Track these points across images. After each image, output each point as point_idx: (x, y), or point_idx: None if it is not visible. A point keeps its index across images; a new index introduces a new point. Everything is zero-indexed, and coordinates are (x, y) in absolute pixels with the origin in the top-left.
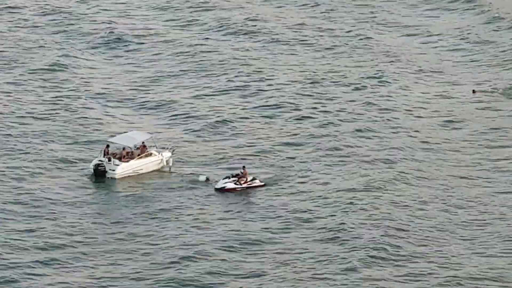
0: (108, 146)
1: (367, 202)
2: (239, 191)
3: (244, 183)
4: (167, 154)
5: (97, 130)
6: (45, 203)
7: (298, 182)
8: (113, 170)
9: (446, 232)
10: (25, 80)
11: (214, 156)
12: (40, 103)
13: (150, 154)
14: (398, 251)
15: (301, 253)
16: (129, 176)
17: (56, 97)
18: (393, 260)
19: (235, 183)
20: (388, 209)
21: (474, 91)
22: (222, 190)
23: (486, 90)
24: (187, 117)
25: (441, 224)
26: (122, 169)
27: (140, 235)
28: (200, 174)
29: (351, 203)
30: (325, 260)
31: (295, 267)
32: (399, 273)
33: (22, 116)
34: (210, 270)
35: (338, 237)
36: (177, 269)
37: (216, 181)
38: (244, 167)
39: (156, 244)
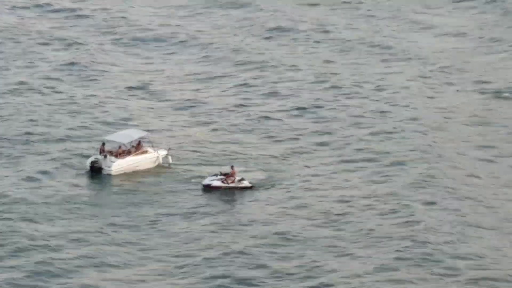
0: (104, 143)
1: (394, 203)
2: (224, 190)
3: (231, 182)
4: (163, 152)
5: (117, 126)
6: (44, 200)
7: (317, 183)
8: (109, 167)
9: (476, 230)
10: (54, 76)
11: (221, 155)
12: (67, 98)
13: (146, 152)
14: (427, 251)
15: (330, 252)
16: (124, 173)
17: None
18: (422, 259)
19: (222, 182)
20: (418, 210)
21: (458, 91)
22: (208, 187)
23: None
24: (204, 115)
25: (471, 221)
26: (118, 165)
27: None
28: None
29: (370, 204)
30: (358, 261)
31: (321, 265)
32: (428, 273)
33: (44, 112)
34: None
35: (368, 238)
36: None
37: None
38: (232, 166)
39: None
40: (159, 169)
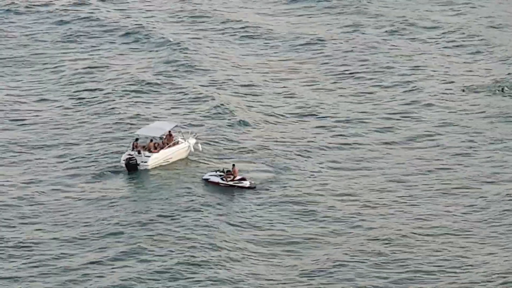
0: (137, 139)
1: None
2: (223, 187)
3: (230, 180)
4: (192, 140)
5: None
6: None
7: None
8: (145, 162)
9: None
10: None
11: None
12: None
13: (178, 142)
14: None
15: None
16: (160, 165)
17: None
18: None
19: (222, 179)
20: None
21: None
22: (207, 182)
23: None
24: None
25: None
26: (153, 159)
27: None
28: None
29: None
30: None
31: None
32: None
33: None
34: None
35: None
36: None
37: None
38: (234, 165)
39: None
40: (191, 160)
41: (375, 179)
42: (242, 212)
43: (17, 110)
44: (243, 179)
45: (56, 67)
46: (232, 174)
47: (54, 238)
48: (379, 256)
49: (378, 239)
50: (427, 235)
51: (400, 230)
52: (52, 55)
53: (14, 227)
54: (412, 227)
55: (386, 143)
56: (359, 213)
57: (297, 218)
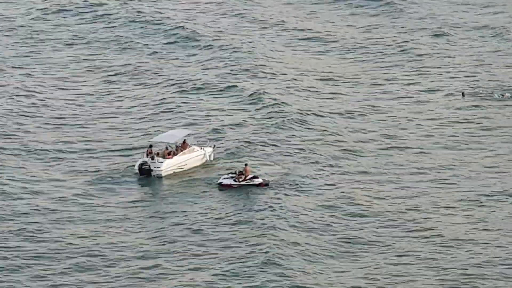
0: (151, 146)
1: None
2: (236, 188)
3: (242, 180)
4: (209, 149)
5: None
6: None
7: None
8: (158, 168)
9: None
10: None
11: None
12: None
13: (193, 150)
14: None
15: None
16: (174, 172)
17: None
18: None
19: (234, 180)
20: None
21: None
22: (221, 186)
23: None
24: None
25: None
26: (167, 165)
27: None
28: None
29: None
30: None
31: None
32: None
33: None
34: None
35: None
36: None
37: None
38: (246, 164)
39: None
40: (207, 167)
41: (420, 183)
42: (274, 212)
43: (55, 112)
44: (255, 177)
45: (100, 68)
46: (243, 174)
47: (94, 243)
48: (431, 260)
49: (427, 242)
50: (483, 238)
51: (453, 233)
52: (97, 56)
53: (48, 232)
54: (467, 230)
55: (429, 146)
56: (406, 216)
57: (346, 220)
